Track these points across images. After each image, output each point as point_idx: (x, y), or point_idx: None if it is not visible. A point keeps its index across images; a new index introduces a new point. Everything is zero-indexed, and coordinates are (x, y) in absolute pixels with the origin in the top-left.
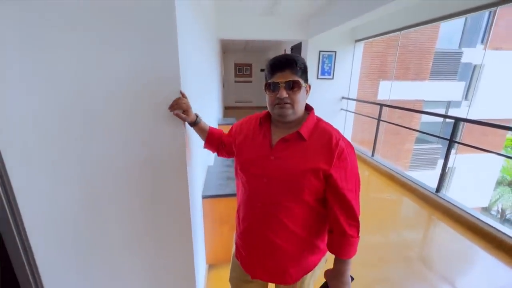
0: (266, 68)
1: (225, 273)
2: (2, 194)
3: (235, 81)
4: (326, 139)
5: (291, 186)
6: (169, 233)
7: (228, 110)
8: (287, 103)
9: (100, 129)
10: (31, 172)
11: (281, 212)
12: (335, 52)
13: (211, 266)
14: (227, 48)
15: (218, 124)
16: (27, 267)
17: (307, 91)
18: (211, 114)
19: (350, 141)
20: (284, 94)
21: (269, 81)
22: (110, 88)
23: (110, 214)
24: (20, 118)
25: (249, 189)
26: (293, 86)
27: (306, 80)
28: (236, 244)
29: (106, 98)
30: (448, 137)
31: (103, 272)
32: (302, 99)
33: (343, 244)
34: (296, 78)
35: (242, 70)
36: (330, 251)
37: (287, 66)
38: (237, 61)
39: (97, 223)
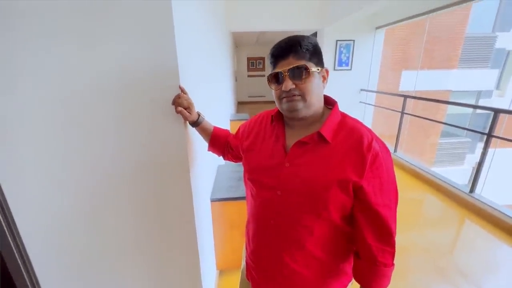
0: (268, 58)
1: (237, 279)
2: None
3: (248, 76)
4: (355, 141)
5: (311, 201)
6: (172, 240)
7: (241, 105)
8: (295, 95)
9: (93, 130)
10: (22, 177)
11: (299, 232)
12: (354, 41)
13: (222, 272)
14: (239, 42)
15: (231, 120)
16: (26, 277)
17: (324, 78)
18: (221, 110)
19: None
20: (289, 85)
21: (271, 72)
22: (102, 85)
23: (108, 220)
24: (7, 118)
25: (260, 203)
26: (300, 74)
27: (319, 64)
28: (246, 263)
29: (97, 97)
30: (483, 130)
31: (103, 280)
32: (316, 88)
33: (373, 273)
34: (303, 62)
35: (254, 64)
36: (356, 280)
37: (289, 51)
38: (249, 55)
39: (95, 230)
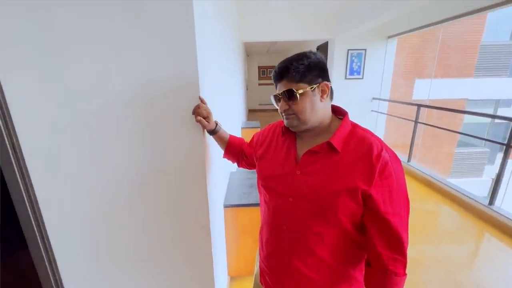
0: None
1: (248, 286)
2: (27, 204)
3: (259, 84)
4: (365, 150)
5: (321, 208)
6: (188, 244)
7: (251, 113)
8: (290, 114)
9: (118, 137)
10: (53, 181)
11: (310, 238)
12: (365, 50)
13: (233, 278)
14: (250, 51)
15: (242, 128)
16: (50, 275)
17: (324, 92)
18: (234, 118)
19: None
20: (284, 106)
21: (273, 94)
22: (128, 95)
23: (127, 223)
24: (40, 125)
25: (272, 209)
26: (290, 96)
27: (314, 81)
28: (260, 268)
29: (123, 105)
30: (503, 141)
31: (119, 281)
32: (311, 106)
33: (384, 282)
34: (292, 86)
35: (265, 73)
36: None
37: (282, 76)
38: (260, 64)
39: (114, 232)
